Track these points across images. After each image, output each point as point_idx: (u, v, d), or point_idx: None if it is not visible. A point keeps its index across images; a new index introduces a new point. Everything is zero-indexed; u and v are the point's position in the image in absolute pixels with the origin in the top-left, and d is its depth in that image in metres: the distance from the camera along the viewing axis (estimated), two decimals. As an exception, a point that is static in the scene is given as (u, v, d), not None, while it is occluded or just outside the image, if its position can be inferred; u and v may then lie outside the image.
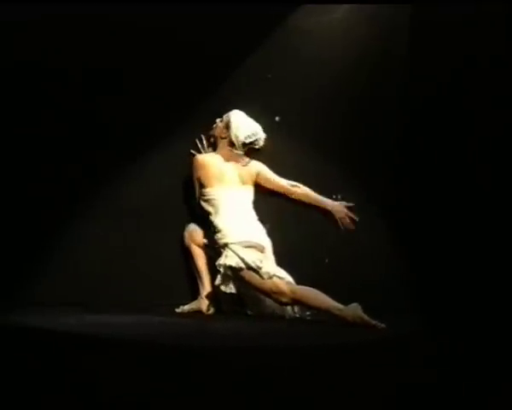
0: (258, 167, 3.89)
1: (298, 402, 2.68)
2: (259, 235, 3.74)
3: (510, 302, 3.60)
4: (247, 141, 3.84)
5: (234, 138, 3.83)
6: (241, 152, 3.87)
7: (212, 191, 3.79)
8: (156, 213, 4.05)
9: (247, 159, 3.89)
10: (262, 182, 3.93)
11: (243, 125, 3.84)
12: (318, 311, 3.51)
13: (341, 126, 4.06)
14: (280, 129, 4.03)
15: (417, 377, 2.84)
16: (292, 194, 3.93)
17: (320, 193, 3.98)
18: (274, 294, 3.57)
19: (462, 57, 3.93)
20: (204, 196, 3.81)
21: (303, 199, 3.94)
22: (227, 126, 3.86)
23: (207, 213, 3.80)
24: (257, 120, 3.97)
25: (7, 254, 3.90)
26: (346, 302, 3.50)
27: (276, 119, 4.01)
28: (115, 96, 3.98)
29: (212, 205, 3.78)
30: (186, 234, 3.91)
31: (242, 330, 3.46)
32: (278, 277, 3.60)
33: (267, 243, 3.75)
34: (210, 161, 3.83)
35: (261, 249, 3.68)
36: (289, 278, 3.63)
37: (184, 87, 4.02)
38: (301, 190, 3.93)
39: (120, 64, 4.00)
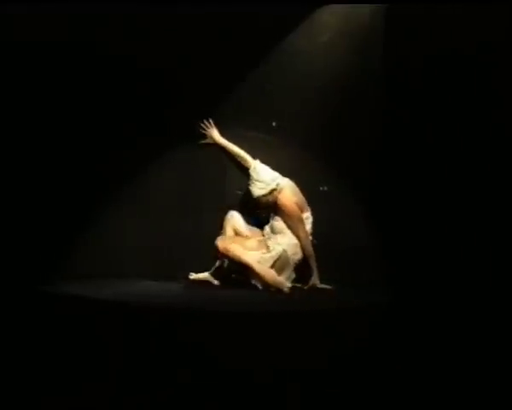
0: None
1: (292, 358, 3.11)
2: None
3: (478, 280, 3.90)
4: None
5: None
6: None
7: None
8: (178, 200, 4.55)
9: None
10: None
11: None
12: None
13: (326, 129, 4.52)
14: (276, 132, 4.54)
15: (377, 344, 3.25)
16: None
17: (308, 185, 4.48)
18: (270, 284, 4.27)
19: (439, 55, 4.17)
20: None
21: None
22: None
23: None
24: (257, 125, 4.50)
25: (55, 234, 4.33)
26: (331, 277, 4.26)
27: (273, 124, 4.53)
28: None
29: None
30: (228, 216, 4.45)
31: (247, 298, 4.09)
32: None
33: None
34: None
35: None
36: None
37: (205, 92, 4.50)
38: None
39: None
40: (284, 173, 4.46)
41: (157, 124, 4.52)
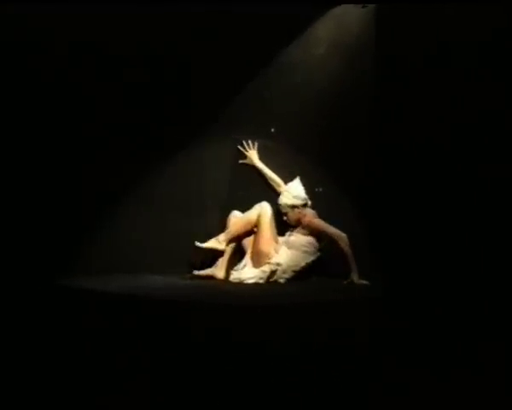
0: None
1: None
2: None
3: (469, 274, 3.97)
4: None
5: None
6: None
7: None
8: (183, 199, 4.70)
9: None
10: None
11: None
12: None
13: (321, 134, 4.72)
14: (274, 138, 4.76)
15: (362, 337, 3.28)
16: None
17: (305, 186, 4.69)
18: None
19: (432, 56, 4.25)
20: None
21: None
22: None
23: None
24: (257, 130, 4.72)
25: (66, 235, 4.46)
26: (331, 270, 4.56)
27: (272, 130, 4.75)
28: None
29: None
30: (259, 210, 4.61)
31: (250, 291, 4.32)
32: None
33: None
34: None
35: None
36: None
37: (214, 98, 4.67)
38: None
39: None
40: (282, 174, 4.75)
41: (160, 126, 4.65)
